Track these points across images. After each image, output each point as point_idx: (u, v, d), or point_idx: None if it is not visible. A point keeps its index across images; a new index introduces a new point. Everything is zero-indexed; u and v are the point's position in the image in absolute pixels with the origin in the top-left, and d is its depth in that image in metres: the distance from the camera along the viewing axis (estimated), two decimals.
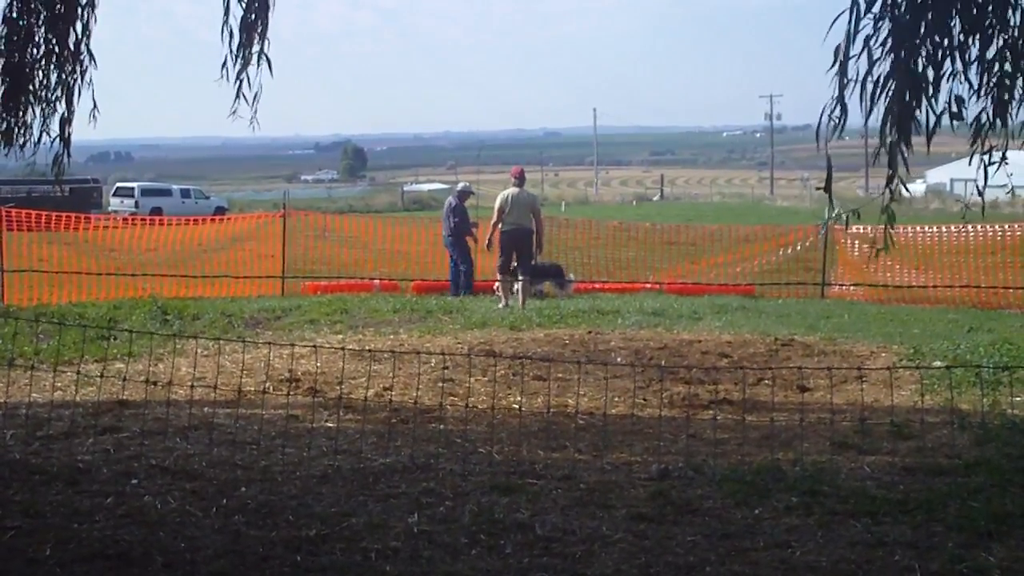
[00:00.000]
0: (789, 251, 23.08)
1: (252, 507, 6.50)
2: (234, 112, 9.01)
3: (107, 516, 6.33)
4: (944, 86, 5.67)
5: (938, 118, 5.79)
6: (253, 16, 8.83)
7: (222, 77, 8.88)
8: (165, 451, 7.71)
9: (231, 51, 8.78)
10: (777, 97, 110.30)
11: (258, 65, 8.90)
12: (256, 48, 8.87)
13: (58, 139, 9.28)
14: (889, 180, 5.92)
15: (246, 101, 8.96)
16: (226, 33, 8.78)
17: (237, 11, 8.78)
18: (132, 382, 9.52)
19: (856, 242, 21.06)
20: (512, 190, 17.34)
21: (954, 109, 5.69)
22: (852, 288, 20.20)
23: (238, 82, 8.93)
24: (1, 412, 8.85)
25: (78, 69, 9.20)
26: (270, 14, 8.87)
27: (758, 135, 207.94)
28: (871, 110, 5.72)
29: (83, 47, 9.20)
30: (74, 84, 9.23)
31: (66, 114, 9.29)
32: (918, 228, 21.79)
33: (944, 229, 21.45)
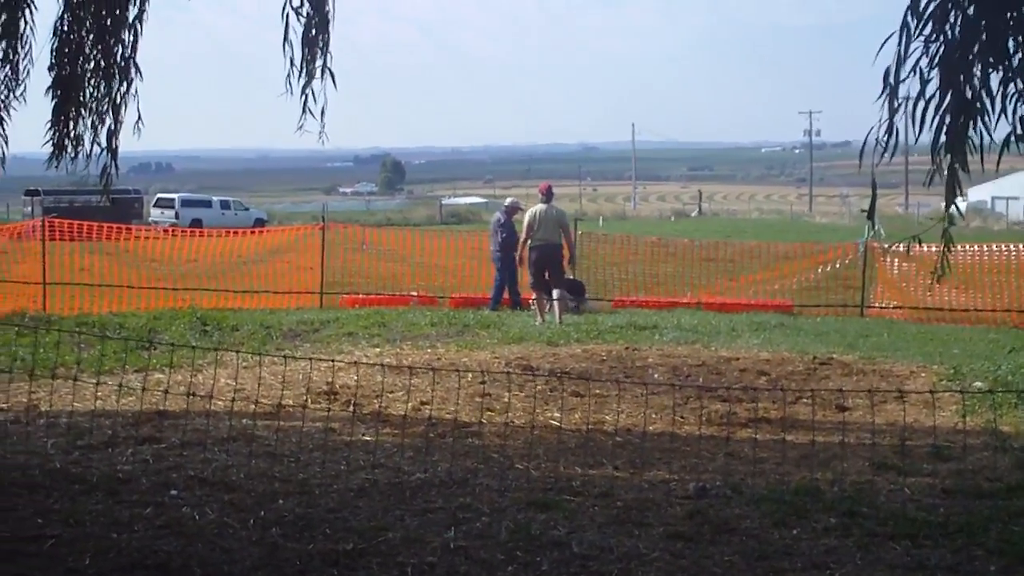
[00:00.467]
0: (828, 269, 22.93)
1: (289, 520, 6.52)
2: (301, 127, 9.06)
3: (146, 526, 6.36)
4: (999, 106, 5.60)
5: (1005, 141, 5.71)
6: (315, 31, 8.90)
7: (286, 91, 8.95)
8: (204, 462, 7.75)
9: (293, 67, 8.85)
10: (816, 113, 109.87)
11: (322, 80, 8.97)
12: (319, 63, 8.94)
13: (105, 151, 9.38)
14: (948, 204, 5.88)
15: (312, 115, 9.02)
16: (287, 48, 8.84)
17: (296, 26, 8.86)
18: (172, 393, 9.58)
19: (896, 260, 20.91)
20: (540, 207, 17.36)
21: (1019, 131, 5.62)
22: (892, 307, 20.05)
23: (304, 97, 8.99)
24: (43, 421, 8.94)
25: (125, 82, 9.30)
26: (330, 28, 8.94)
27: (797, 151, 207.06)
28: (920, 133, 5.68)
29: (131, 61, 9.30)
30: (121, 97, 9.33)
31: (113, 126, 9.40)
32: (959, 247, 21.56)
33: (986, 248, 21.25)
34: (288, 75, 8.91)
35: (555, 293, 17.17)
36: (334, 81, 8.97)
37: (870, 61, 5.71)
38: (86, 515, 6.55)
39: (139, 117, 9.53)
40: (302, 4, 8.78)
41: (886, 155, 5.77)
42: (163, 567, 5.72)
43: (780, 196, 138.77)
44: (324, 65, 8.90)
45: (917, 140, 5.86)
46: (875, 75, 5.73)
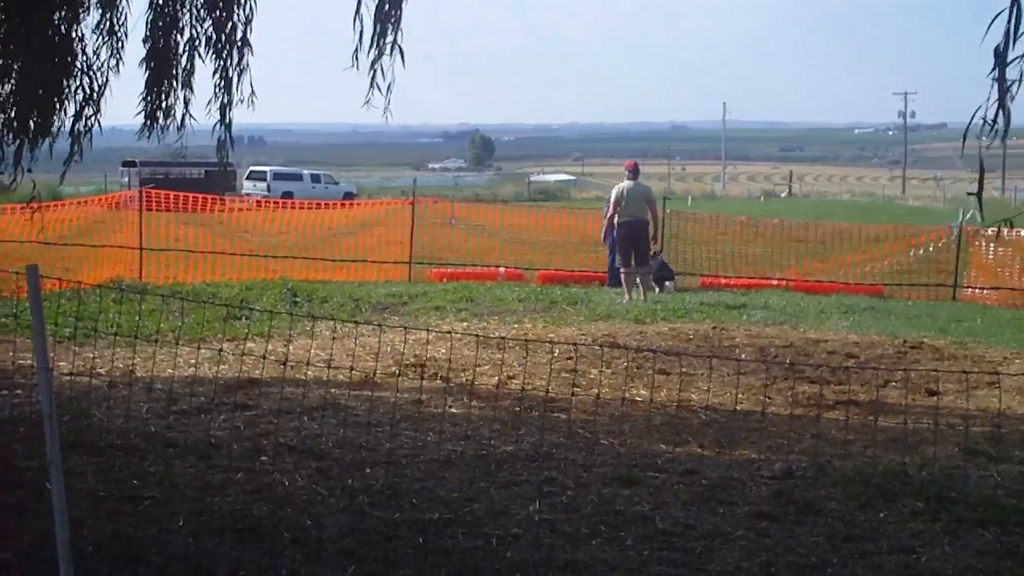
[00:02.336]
0: (920, 252, 22.58)
1: (377, 488, 6.63)
2: (368, 102, 9.12)
3: (237, 491, 6.52)
4: None
5: None
6: (388, 6, 8.93)
7: (353, 66, 9.02)
8: (294, 430, 7.90)
9: (361, 42, 8.89)
10: (912, 94, 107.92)
11: (391, 56, 9.01)
12: (390, 39, 8.97)
13: (220, 124, 9.53)
14: None
15: (380, 91, 9.08)
16: (358, 23, 8.90)
17: (370, 2, 8.90)
18: (264, 361, 9.74)
19: (991, 245, 20.52)
20: (627, 183, 17.28)
21: None
22: (985, 292, 19.70)
23: (372, 72, 9.04)
24: (140, 386, 9.15)
25: (240, 56, 9.44)
26: (404, 4, 8.96)
27: (890, 132, 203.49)
28: None
29: (245, 36, 9.43)
30: (234, 72, 9.47)
31: (226, 100, 9.54)
32: None
33: None
34: (356, 49, 8.97)
35: (642, 271, 17.13)
36: (403, 58, 8.96)
37: (967, 41, 5.65)
38: (180, 478, 6.73)
39: (252, 91, 9.67)
40: None
41: (998, 137, 5.66)
42: (253, 531, 5.86)
43: (872, 178, 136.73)
44: (395, 41, 8.92)
45: None
46: (973, 55, 5.63)
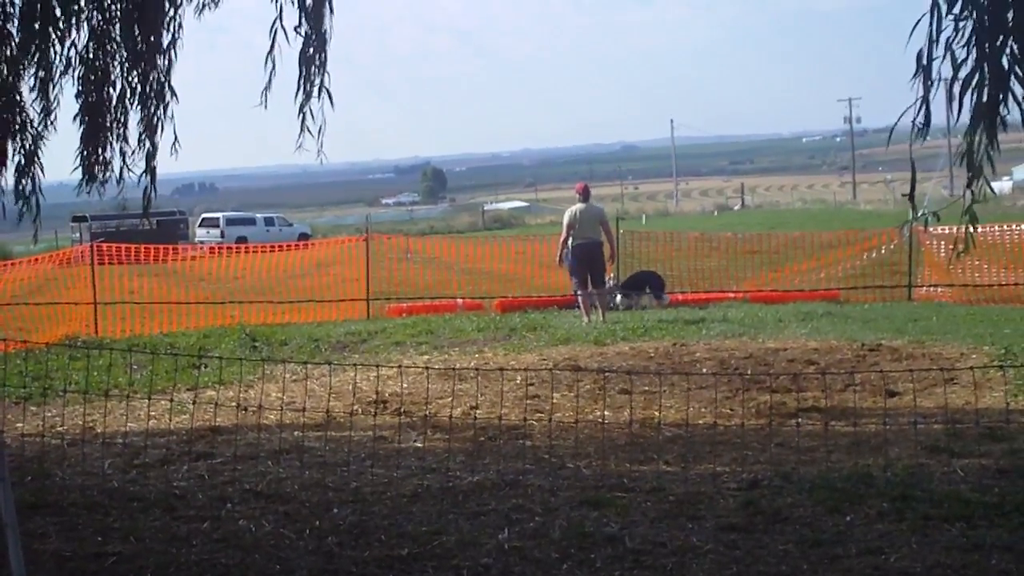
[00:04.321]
0: (874, 255, 22.80)
1: (344, 528, 6.60)
2: (300, 145, 9.16)
3: (204, 540, 6.46)
4: None
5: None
6: (311, 50, 8.98)
7: (261, 104, 9.07)
8: (258, 475, 7.85)
9: (270, 83, 8.97)
10: (856, 100, 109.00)
11: (319, 99, 9.05)
12: (317, 81, 9.02)
13: (144, 174, 9.51)
14: (970, 182, 5.86)
15: (311, 134, 9.12)
16: (269, 63, 8.93)
17: (286, 45, 8.94)
18: (224, 408, 9.69)
19: (942, 243, 20.73)
20: (579, 206, 17.34)
21: None
22: (940, 290, 19.90)
23: (301, 115, 9.08)
24: (99, 442, 9.07)
25: (161, 105, 9.43)
26: (328, 48, 9.01)
27: (838, 139, 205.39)
28: (959, 112, 5.66)
29: (166, 84, 9.43)
30: (157, 120, 9.45)
31: (151, 149, 9.52)
32: (1006, 226, 21.37)
33: None
34: (265, 89, 9.02)
35: (598, 291, 17.18)
36: (331, 100, 9.03)
37: (905, 43, 5.71)
38: (145, 531, 6.67)
39: (175, 139, 9.67)
40: (300, 23, 8.85)
41: (921, 137, 5.75)
42: None
43: (823, 185, 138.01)
44: (322, 84, 8.98)
45: (957, 120, 5.83)
46: (911, 58, 5.72)
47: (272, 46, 8.86)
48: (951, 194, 75.01)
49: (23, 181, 9.48)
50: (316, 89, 8.94)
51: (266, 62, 8.92)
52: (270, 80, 9.02)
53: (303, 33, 8.93)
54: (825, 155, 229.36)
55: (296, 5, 8.89)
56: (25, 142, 9.39)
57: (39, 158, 9.55)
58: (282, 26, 8.86)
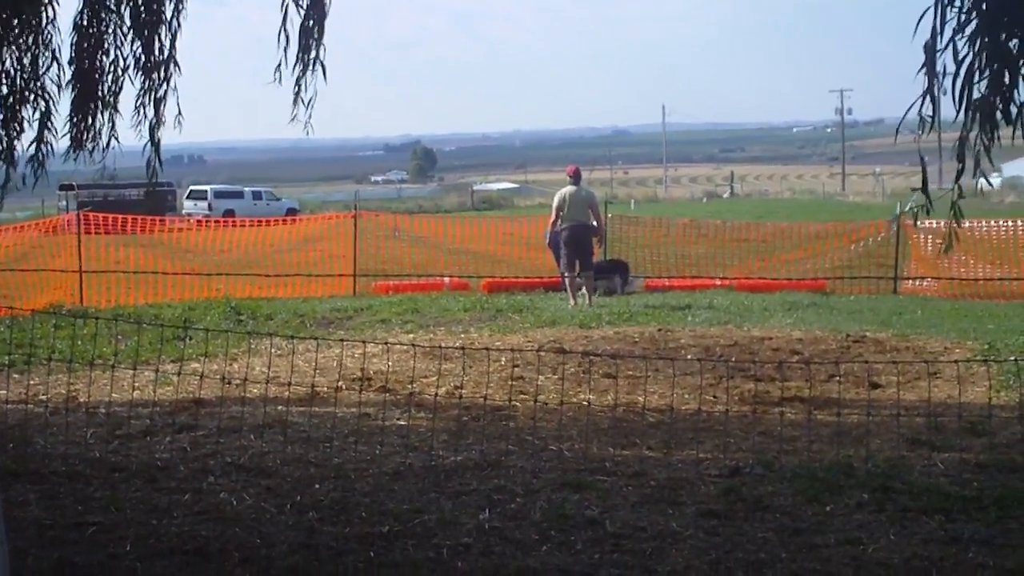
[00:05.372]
0: (861, 247, 22.84)
1: (326, 504, 6.60)
2: (294, 118, 9.15)
3: (185, 512, 6.46)
4: None
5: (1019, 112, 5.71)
6: (311, 23, 8.96)
7: (275, 80, 9.05)
8: (240, 449, 7.85)
9: (287, 57, 8.94)
10: (847, 92, 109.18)
11: (313, 71, 9.04)
12: (313, 55, 9.00)
13: (148, 144, 9.49)
14: (958, 175, 5.87)
15: (304, 105, 9.10)
16: (282, 38, 8.91)
17: (295, 18, 8.92)
18: (208, 381, 9.68)
19: (928, 237, 20.79)
20: (569, 188, 17.36)
21: None
22: (925, 283, 19.96)
23: (296, 88, 9.07)
24: (82, 412, 9.05)
25: (166, 77, 9.40)
26: (326, 22, 8.99)
27: (829, 130, 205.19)
28: (960, 109, 5.66)
29: (171, 56, 9.39)
30: (162, 92, 9.43)
31: (155, 121, 9.49)
32: (993, 222, 21.41)
33: (1020, 223, 21.05)
34: (279, 65, 9.01)
35: (586, 275, 17.21)
36: (324, 74, 9.05)
37: (900, 37, 5.72)
38: (126, 502, 6.66)
39: (179, 112, 9.64)
40: None
41: (927, 130, 5.76)
42: (202, 552, 5.81)
43: (812, 176, 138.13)
44: (316, 57, 8.97)
45: (957, 116, 5.83)
46: (905, 51, 5.72)
47: (284, 20, 8.84)
48: (940, 186, 75.22)
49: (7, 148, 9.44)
50: (312, 62, 8.92)
51: (279, 37, 8.90)
52: (285, 55, 8.99)
53: (304, 6, 8.90)
54: (815, 145, 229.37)
55: None
56: (9, 109, 9.33)
57: (19, 125, 9.51)
58: (295, 2, 8.85)
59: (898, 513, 6.29)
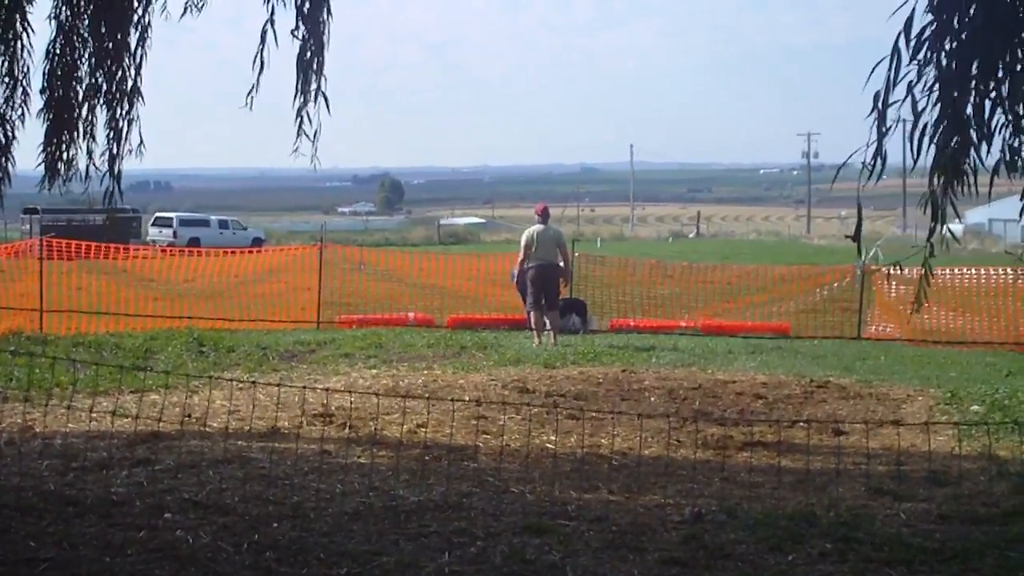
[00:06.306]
0: (825, 292, 22.94)
1: (284, 543, 6.50)
2: (296, 150, 9.05)
3: (139, 550, 6.33)
4: (995, 132, 5.61)
5: (995, 168, 5.75)
6: (309, 54, 8.90)
7: (246, 105, 8.99)
8: (198, 485, 7.73)
9: (258, 83, 8.88)
10: (815, 135, 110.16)
11: (315, 103, 8.96)
12: (314, 86, 8.94)
13: (108, 174, 9.39)
14: (931, 232, 5.89)
15: (308, 138, 9.03)
16: (257, 64, 8.85)
17: (274, 47, 8.87)
18: (168, 413, 9.55)
19: (893, 284, 20.89)
20: (537, 227, 17.38)
21: (1008, 158, 5.64)
22: (888, 329, 20.05)
23: (299, 120, 8.99)
24: (38, 443, 8.92)
25: (129, 107, 9.32)
26: (326, 52, 8.94)
27: (795, 172, 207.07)
28: (917, 157, 5.68)
29: (134, 85, 9.32)
30: (125, 122, 9.34)
31: (116, 150, 9.40)
32: (956, 270, 21.52)
33: (983, 271, 21.20)
34: (251, 92, 8.94)
35: (551, 314, 17.20)
36: (327, 105, 8.97)
37: (864, 84, 5.74)
38: (79, 538, 6.53)
39: (141, 141, 9.56)
40: (297, 26, 8.77)
41: (874, 178, 5.77)
42: None
43: (778, 217, 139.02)
44: (319, 88, 8.89)
45: (916, 164, 5.85)
46: (867, 94, 5.74)
47: (261, 48, 8.78)
48: (903, 231, 75.90)
49: None
50: (314, 93, 8.86)
51: (253, 64, 8.84)
52: (258, 82, 8.93)
53: (300, 36, 8.84)
54: (782, 187, 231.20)
55: (293, 7, 8.81)
56: None
57: (5, 154, 9.42)
58: (273, 29, 8.79)
59: (860, 564, 6.25)
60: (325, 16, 8.85)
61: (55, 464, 8.26)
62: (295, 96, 8.85)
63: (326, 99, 8.93)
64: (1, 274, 21.33)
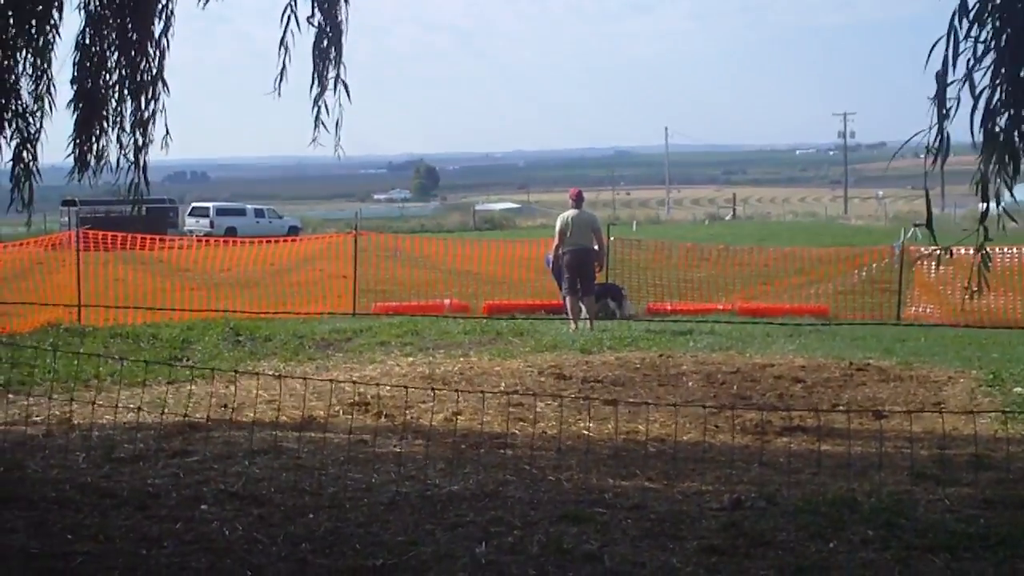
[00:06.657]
0: (864, 273, 22.73)
1: (319, 535, 6.47)
2: (315, 140, 9.00)
3: (175, 542, 6.33)
4: None
5: None
6: (326, 43, 8.83)
7: (274, 91, 8.92)
8: (234, 476, 7.72)
9: (284, 71, 8.82)
10: (851, 115, 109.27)
11: (335, 92, 8.89)
12: (332, 74, 8.87)
13: (134, 166, 9.37)
14: (983, 217, 5.77)
15: (325, 128, 8.96)
16: (282, 50, 8.79)
17: (295, 32, 8.81)
18: (203, 404, 9.55)
19: (932, 264, 20.63)
20: (571, 211, 17.29)
21: None
22: (929, 310, 19.82)
23: (316, 109, 8.92)
24: (76, 435, 8.94)
25: (153, 98, 9.27)
26: (343, 39, 8.86)
27: (831, 153, 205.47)
28: (978, 139, 5.56)
29: (158, 77, 9.27)
30: (150, 113, 9.30)
31: (141, 142, 9.37)
32: (997, 249, 21.17)
33: None
34: (278, 78, 8.88)
35: (587, 300, 17.11)
36: (348, 93, 8.89)
37: (905, 61, 5.67)
38: (116, 531, 6.53)
39: (167, 132, 9.51)
40: (313, 13, 8.70)
41: (938, 162, 5.67)
42: None
43: (814, 198, 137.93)
44: (337, 77, 8.83)
45: (973, 143, 5.73)
46: (911, 76, 5.66)
47: (284, 34, 8.71)
48: (942, 211, 75.10)
49: (17, 167, 9.32)
50: (331, 82, 8.79)
51: (279, 50, 8.78)
52: (283, 69, 8.87)
53: (316, 24, 8.77)
54: (818, 168, 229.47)
55: None
56: (21, 128, 9.21)
57: (33, 145, 9.39)
58: (295, 14, 8.72)
59: (903, 551, 6.15)
60: (342, 3, 8.78)
61: (92, 456, 8.28)
62: (311, 85, 8.79)
63: (346, 87, 8.85)
64: (39, 266, 21.42)
